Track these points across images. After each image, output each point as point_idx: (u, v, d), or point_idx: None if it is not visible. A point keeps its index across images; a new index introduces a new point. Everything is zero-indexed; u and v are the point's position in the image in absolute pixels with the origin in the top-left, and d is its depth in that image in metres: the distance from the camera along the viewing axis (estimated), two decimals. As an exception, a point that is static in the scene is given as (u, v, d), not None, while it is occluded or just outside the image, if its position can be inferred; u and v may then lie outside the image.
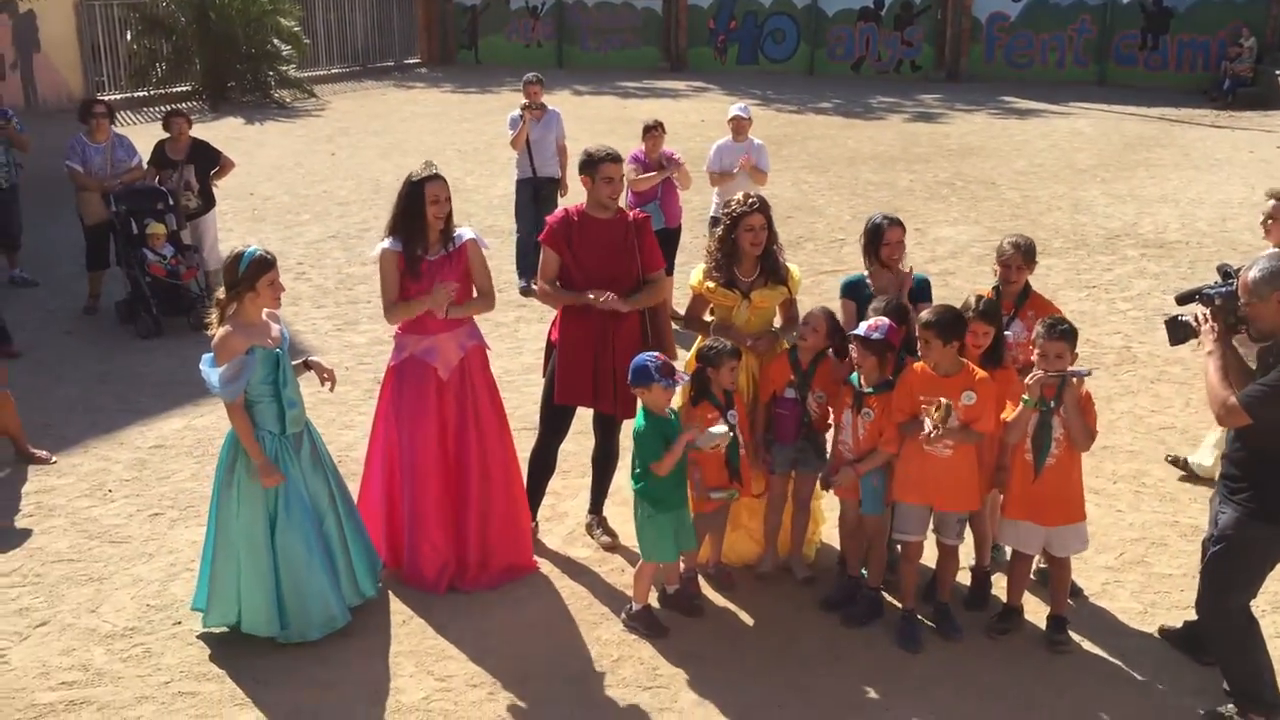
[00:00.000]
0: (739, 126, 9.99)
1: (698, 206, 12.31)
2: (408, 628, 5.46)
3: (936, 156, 18.24)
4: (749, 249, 5.81)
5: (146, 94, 23.27)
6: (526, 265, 11.17)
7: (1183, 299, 5.00)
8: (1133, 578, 5.96)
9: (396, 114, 23.21)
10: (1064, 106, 23.21)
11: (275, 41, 24.93)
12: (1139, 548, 6.25)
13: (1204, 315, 4.68)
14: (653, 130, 9.86)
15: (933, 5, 27.57)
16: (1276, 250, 4.53)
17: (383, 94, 26.72)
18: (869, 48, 28.33)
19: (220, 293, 5.08)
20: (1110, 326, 10.08)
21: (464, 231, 5.72)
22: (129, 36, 23.93)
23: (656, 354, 5.39)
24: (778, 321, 6.05)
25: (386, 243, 5.65)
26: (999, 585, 5.69)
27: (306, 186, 15.96)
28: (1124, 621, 5.57)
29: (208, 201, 10.69)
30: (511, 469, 5.89)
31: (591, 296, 5.73)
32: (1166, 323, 4.92)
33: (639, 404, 5.43)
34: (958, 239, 13.12)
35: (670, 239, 9.79)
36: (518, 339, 9.87)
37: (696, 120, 20.92)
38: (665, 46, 29.93)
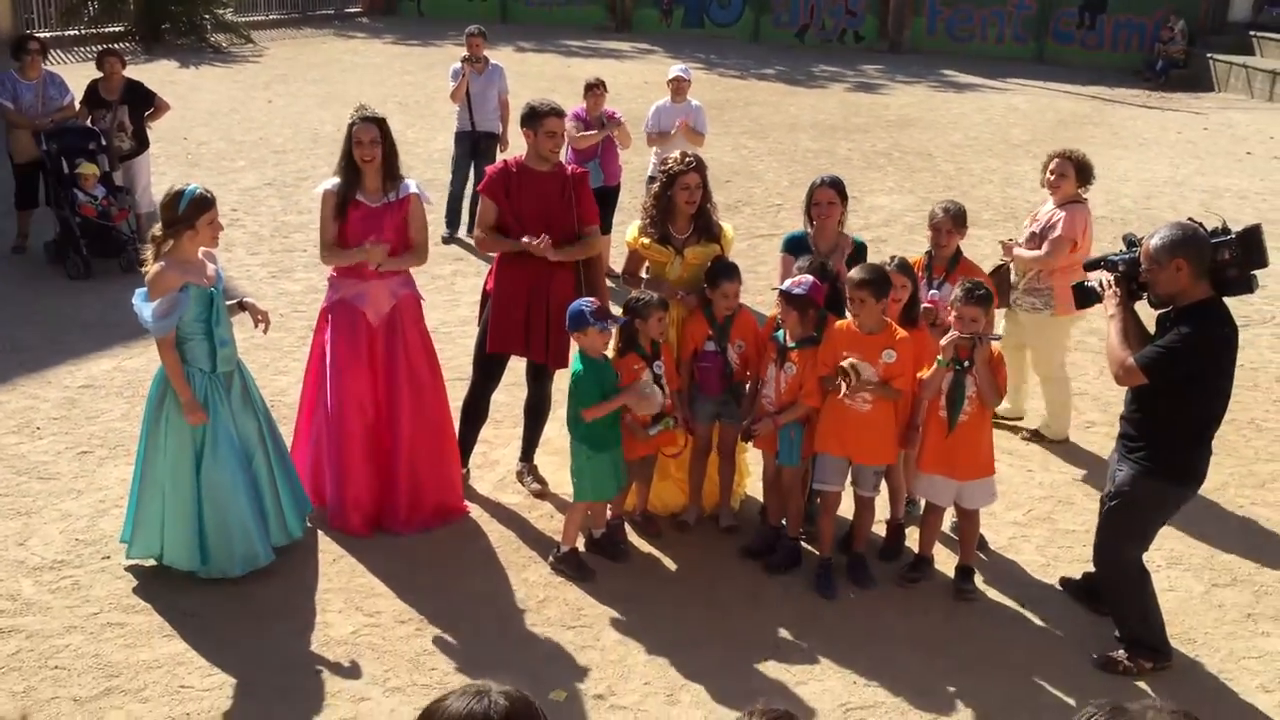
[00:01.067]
0: (679, 87, 10.08)
1: (637, 167, 12.38)
2: (337, 566, 5.57)
3: (875, 127, 18.46)
4: (684, 207, 5.93)
5: (78, 33, 22.74)
6: (454, 217, 11.24)
7: (1089, 265, 5.24)
8: (1039, 533, 6.22)
9: (336, 64, 22.94)
10: (1001, 82, 23.54)
11: (213, -17, 24.53)
12: (1046, 505, 6.52)
13: (1108, 281, 4.91)
14: (594, 88, 9.92)
15: (877, -24, 27.76)
16: (1177, 219, 4.76)
17: (322, 42, 26.37)
18: (813, 16, 28.48)
19: (157, 229, 5.10)
20: (1033, 296, 10.34)
21: (410, 183, 5.79)
22: (61, -27, 23.38)
23: (590, 299, 5.52)
24: None
25: (328, 183, 5.73)
26: (912, 538, 5.92)
27: (243, 133, 15.78)
28: (1028, 573, 5.82)
29: (141, 143, 10.57)
30: (443, 414, 5.99)
31: (526, 240, 5.81)
32: (1073, 288, 5.16)
33: (574, 351, 5.56)
34: (892, 208, 13.35)
35: (609, 197, 9.88)
36: (454, 291, 9.92)
37: (640, 82, 20.93)
38: (610, 6, 29.83)
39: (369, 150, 5.59)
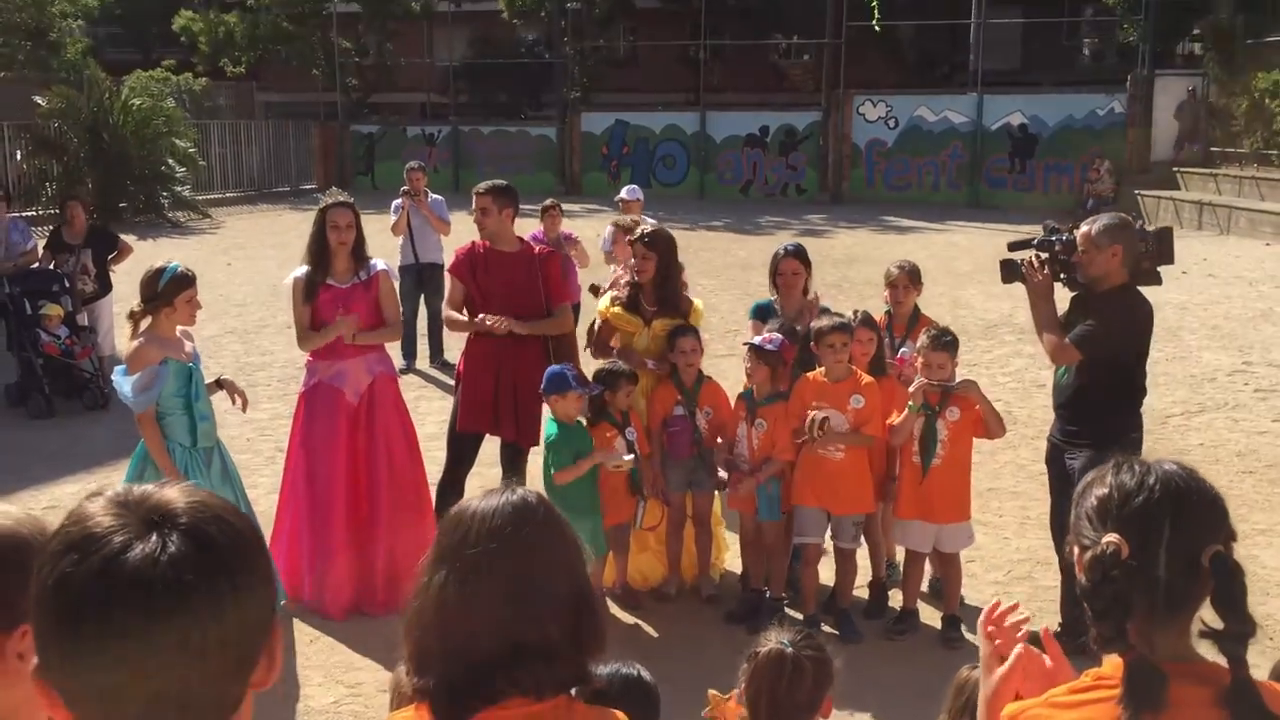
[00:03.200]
0: (629, 208, 10.45)
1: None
2: (315, 646, 5.46)
3: (824, 264, 18.94)
4: (638, 276, 6.07)
5: (36, 213, 23.05)
6: (410, 348, 11.29)
7: (1015, 246, 5.49)
8: (1020, 590, 6.22)
9: (294, 231, 23.28)
10: (941, 224, 24.37)
11: (170, 162, 25.04)
12: (1025, 566, 6.55)
13: (1037, 261, 5.12)
14: (550, 210, 10.25)
15: (814, 132, 28.94)
16: (1116, 212, 5.15)
17: (279, 215, 26.91)
18: (756, 172, 29.52)
19: (136, 305, 5.17)
20: (993, 395, 10.43)
21: (377, 262, 5.93)
22: (18, 156, 23.82)
23: (571, 364, 5.61)
24: None
25: (297, 272, 5.84)
26: (895, 598, 5.91)
27: (202, 291, 15.67)
28: (1014, 623, 5.80)
29: (104, 286, 10.69)
30: (423, 493, 5.99)
31: (481, 317, 5.91)
32: (1001, 263, 5.39)
33: (545, 420, 5.62)
34: (846, 329, 13.65)
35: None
36: (419, 414, 9.86)
37: (592, 235, 21.41)
38: (560, 171, 30.77)
39: (345, 234, 5.74)
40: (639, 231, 6.21)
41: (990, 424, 5.45)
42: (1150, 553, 1.77)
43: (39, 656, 1.25)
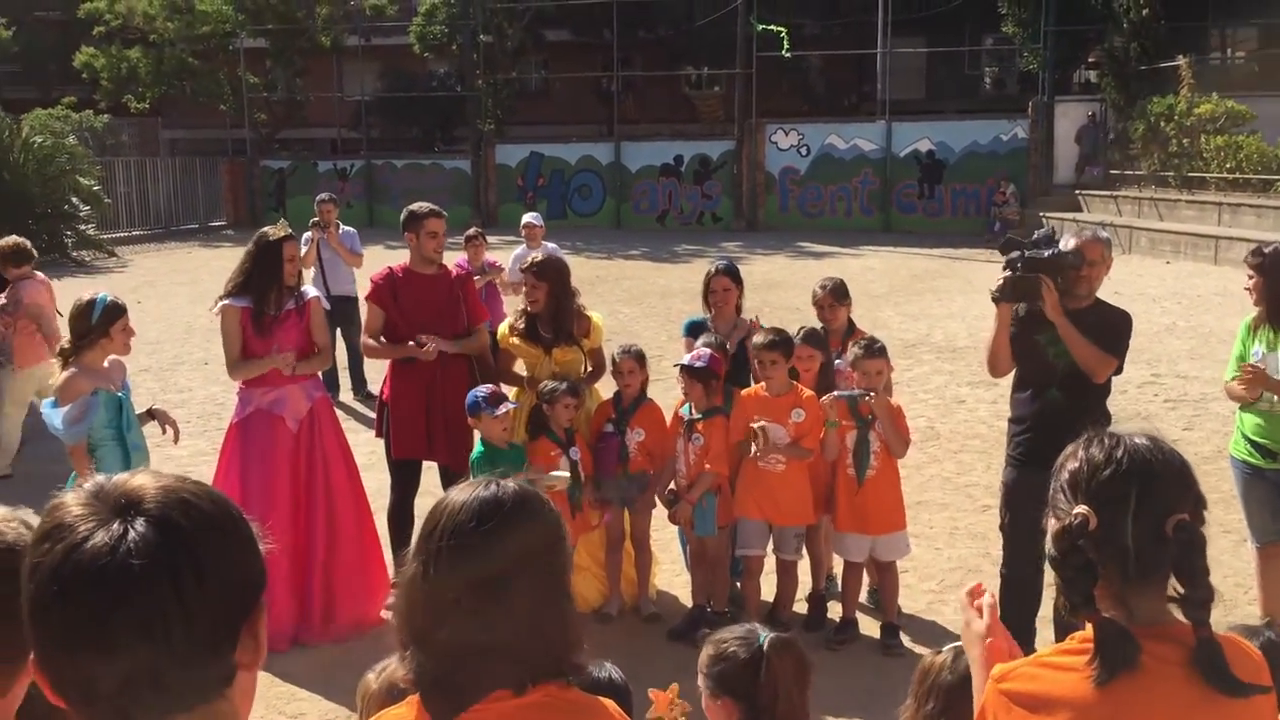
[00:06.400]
0: (531, 234, 10.49)
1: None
2: (255, 679, 5.36)
3: (744, 290, 19.17)
4: (530, 307, 6.07)
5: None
6: (332, 382, 11.11)
7: (1009, 247, 4.92)
8: (954, 597, 6.33)
9: (204, 269, 22.98)
10: (854, 249, 24.82)
11: (74, 200, 24.50)
12: (957, 574, 6.68)
13: (1046, 282, 4.69)
14: (474, 240, 10.23)
15: (728, 161, 29.31)
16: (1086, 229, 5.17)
17: (188, 253, 26.46)
18: (671, 201, 29.79)
19: (66, 341, 5.07)
20: (915, 412, 10.73)
21: (308, 289, 5.88)
22: (-84, 197, 23.13)
23: (486, 386, 5.60)
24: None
25: (229, 300, 5.75)
26: (834, 612, 5.99)
27: (114, 329, 15.59)
28: (950, 630, 5.92)
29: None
30: (363, 519, 5.91)
31: (411, 344, 5.89)
32: (1011, 281, 4.75)
33: (477, 437, 5.60)
34: (768, 352, 13.82)
35: (493, 343, 10.03)
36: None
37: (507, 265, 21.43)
38: (476, 203, 30.71)
39: (298, 265, 5.73)
40: (529, 260, 6.22)
41: (890, 442, 5.52)
42: (1118, 523, 1.87)
43: (32, 644, 1.27)
